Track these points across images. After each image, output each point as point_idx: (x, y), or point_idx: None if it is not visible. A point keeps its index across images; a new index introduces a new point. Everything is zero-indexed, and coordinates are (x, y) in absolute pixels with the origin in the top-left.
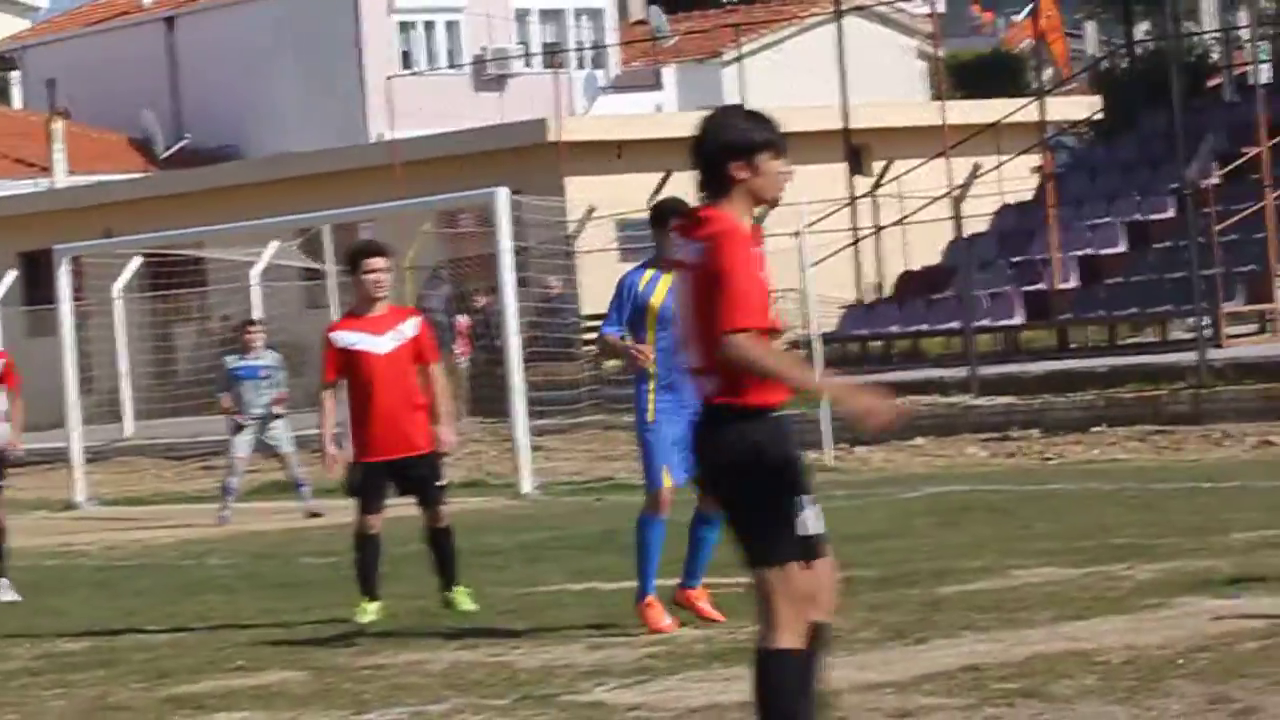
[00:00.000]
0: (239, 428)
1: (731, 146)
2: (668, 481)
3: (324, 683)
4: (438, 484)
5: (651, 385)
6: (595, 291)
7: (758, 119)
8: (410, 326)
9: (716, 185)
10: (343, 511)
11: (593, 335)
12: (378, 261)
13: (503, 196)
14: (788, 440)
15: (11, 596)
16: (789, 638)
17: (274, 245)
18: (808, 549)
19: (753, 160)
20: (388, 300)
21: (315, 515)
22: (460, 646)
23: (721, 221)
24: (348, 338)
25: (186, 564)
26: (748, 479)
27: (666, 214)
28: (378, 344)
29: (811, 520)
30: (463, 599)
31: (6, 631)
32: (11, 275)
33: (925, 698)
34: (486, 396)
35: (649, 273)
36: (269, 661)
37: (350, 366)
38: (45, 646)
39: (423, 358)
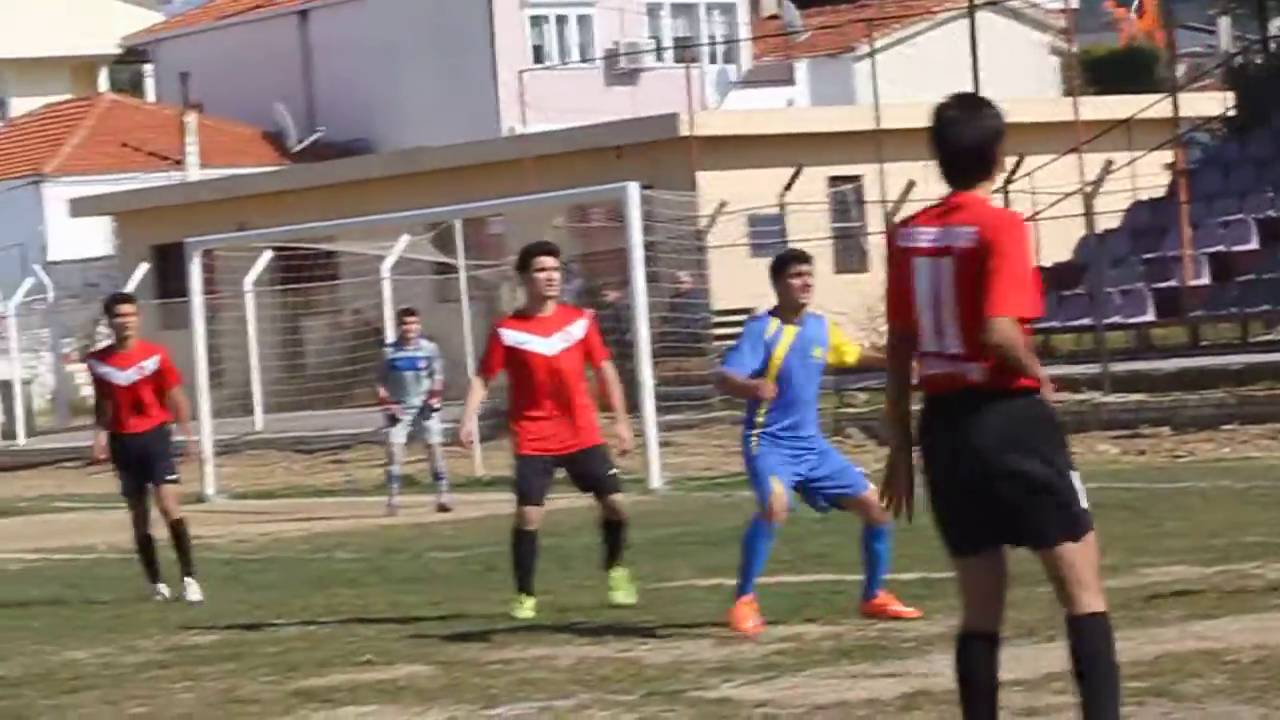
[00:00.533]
0: (394, 419)
1: (1001, 133)
2: (778, 488)
3: (452, 677)
4: (609, 472)
5: (755, 431)
6: (726, 286)
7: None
8: (578, 328)
9: (981, 170)
10: (472, 507)
11: (723, 331)
12: (548, 260)
13: (634, 191)
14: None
15: (196, 596)
16: (1102, 599)
17: (405, 239)
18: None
19: (1003, 146)
20: (556, 300)
21: (444, 509)
22: (588, 642)
23: (990, 206)
24: (515, 336)
25: (315, 558)
26: (1049, 451)
27: (788, 262)
28: (545, 345)
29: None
30: (622, 587)
31: (136, 624)
32: (144, 268)
33: (1054, 696)
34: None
35: (774, 323)
36: (397, 656)
37: (516, 365)
38: (174, 639)
39: (593, 358)
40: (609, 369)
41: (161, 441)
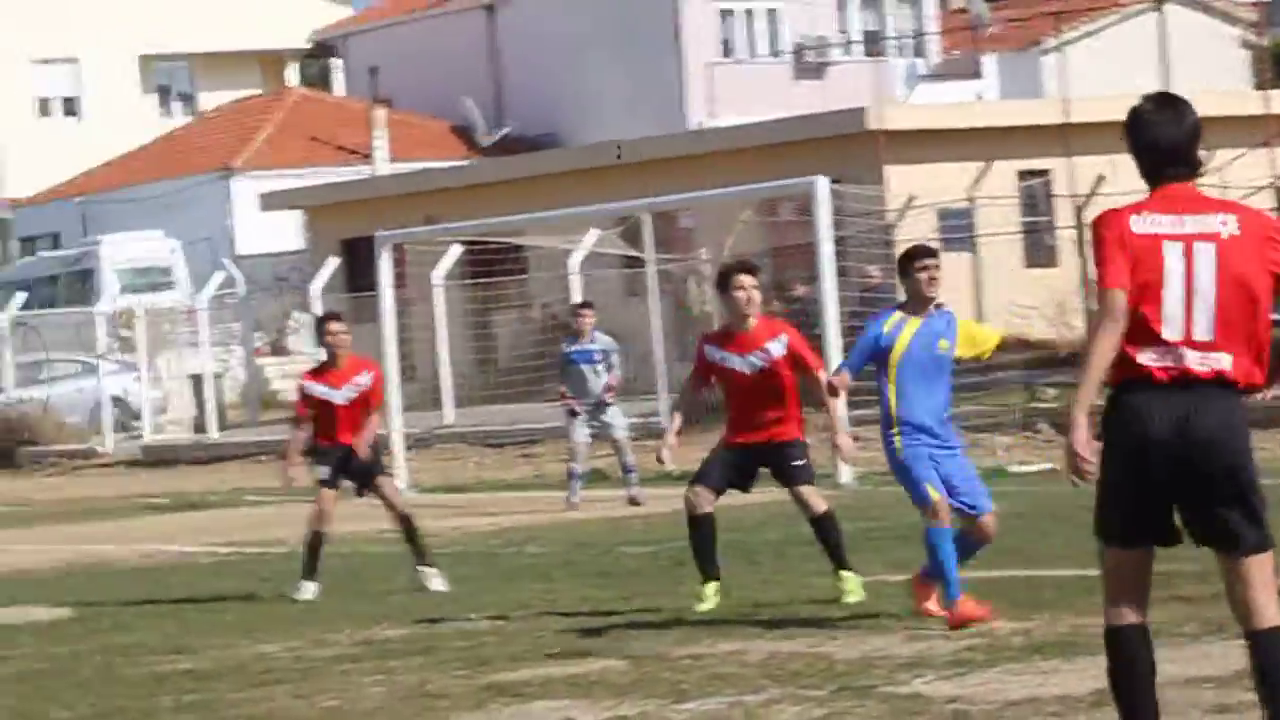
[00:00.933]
0: (573, 413)
1: (1200, 130)
2: (935, 494)
3: (642, 671)
4: (794, 464)
5: (896, 429)
6: None
7: None
8: (778, 346)
9: (1188, 168)
10: (662, 501)
11: None
12: (747, 279)
13: (822, 185)
14: None
15: (440, 586)
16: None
17: (594, 233)
18: None
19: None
20: (756, 315)
21: (635, 503)
22: (779, 636)
23: (1230, 200)
24: (717, 354)
25: (505, 552)
26: (1250, 455)
27: (915, 257)
28: (744, 363)
29: None
30: (848, 585)
31: (327, 618)
32: (334, 262)
33: (1246, 693)
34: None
35: (896, 316)
36: (588, 650)
37: (720, 378)
38: (366, 633)
39: (805, 368)
40: (823, 377)
41: (375, 451)
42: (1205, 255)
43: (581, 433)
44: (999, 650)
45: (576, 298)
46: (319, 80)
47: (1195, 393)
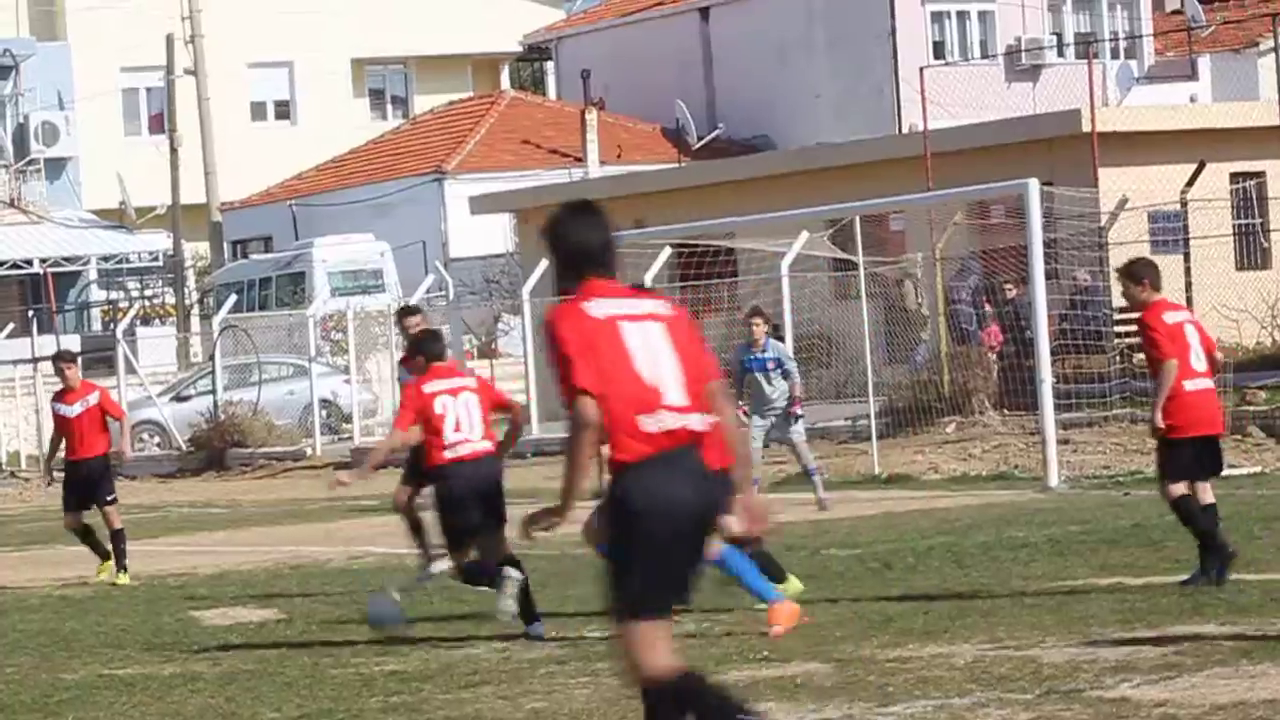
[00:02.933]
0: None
1: None
2: None
3: (848, 675)
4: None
5: None
6: None
7: None
8: None
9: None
10: (867, 505)
11: (1124, 329)
12: None
13: (1034, 188)
14: None
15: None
16: None
17: (804, 236)
18: None
19: None
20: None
21: (823, 507)
22: (985, 640)
23: None
24: None
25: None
26: None
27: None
28: None
29: None
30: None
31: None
32: (544, 265)
33: None
34: (1014, 389)
35: None
36: (793, 653)
37: None
38: (572, 634)
39: None
40: None
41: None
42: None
43: (756, 439)
44: (1207, 654)
45: (787, 301)
46: (532, 84)
47: None
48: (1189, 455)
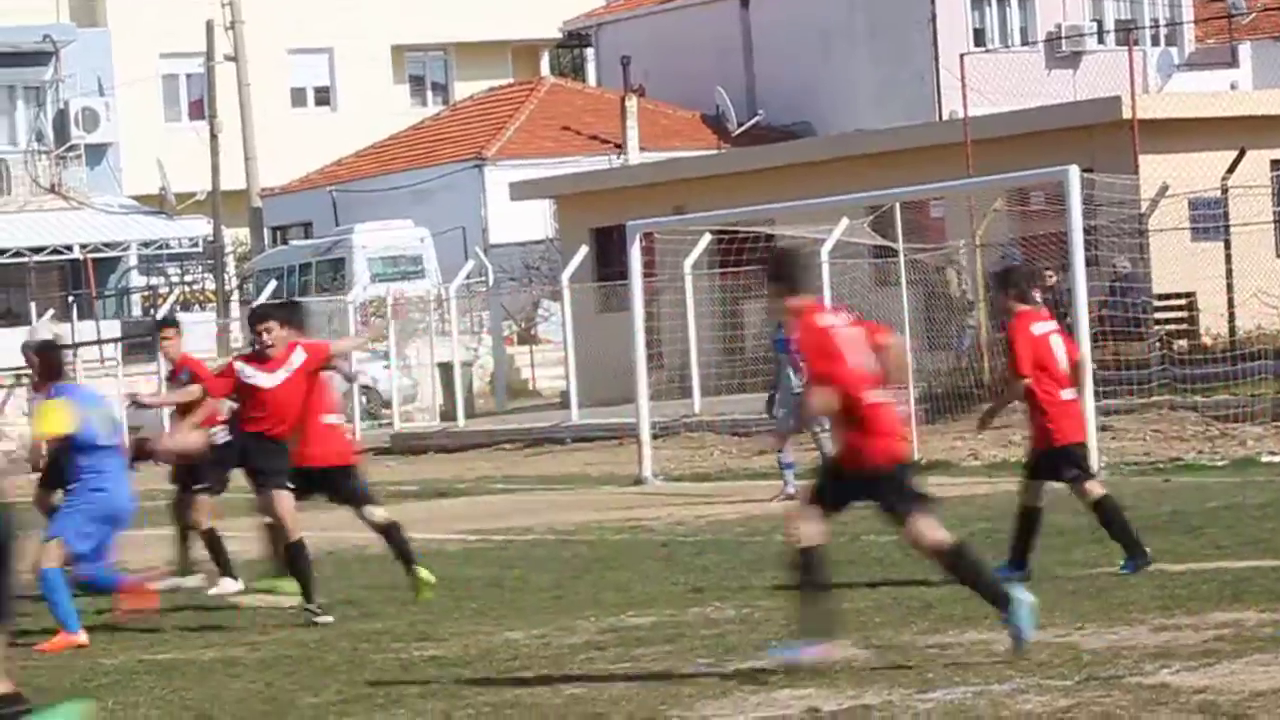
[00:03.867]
0: (771, 400)
1: None
2: None
3: (888, 661)
4: None
5: None
6: (1166, 271)
7: None
8: None
9: None
10: None
11: (1163, 315)
12: None
13: (1074, 174)
14: None
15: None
16: None
17: (844, 222)
18: None
19: None
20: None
21: (790, 499)
22: None
23: None
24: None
25: (752, 540)
26: None
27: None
28: None
29: None
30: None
31: (573, 605)
32: (584, 251)
33: None
34: None
35: None
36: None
37: None
38: (611, 620)
39: None
40: None
41: None
42: None
43: (783, 422)
44: (1247, 641)
45: (827, 287)
46: (572, 70)
47: None
48: (1064, 460)
